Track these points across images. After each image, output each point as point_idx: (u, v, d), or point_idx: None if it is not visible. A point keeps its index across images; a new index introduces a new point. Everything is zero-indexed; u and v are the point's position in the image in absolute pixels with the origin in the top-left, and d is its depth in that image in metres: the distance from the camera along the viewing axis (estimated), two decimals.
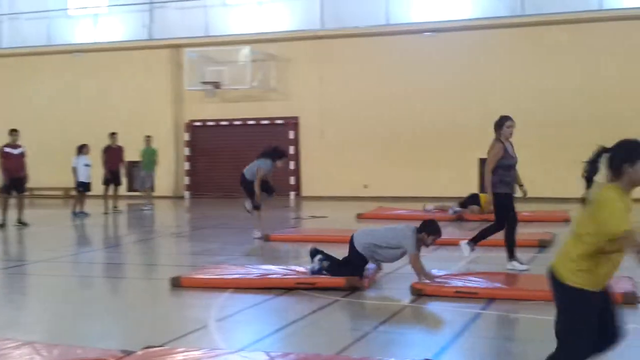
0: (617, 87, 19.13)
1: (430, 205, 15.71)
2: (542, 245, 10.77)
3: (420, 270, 7.76)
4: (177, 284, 8.17)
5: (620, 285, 7.47)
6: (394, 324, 6.61)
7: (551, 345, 5.94)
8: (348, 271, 7.89)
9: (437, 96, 20.71)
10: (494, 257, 9.64)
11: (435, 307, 7.20)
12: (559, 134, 19.23)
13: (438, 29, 20.80)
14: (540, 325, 6.54)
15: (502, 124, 9.07)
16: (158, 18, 23.70)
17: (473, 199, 15.46)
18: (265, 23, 22.60)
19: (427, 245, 7.96)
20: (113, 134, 18.42)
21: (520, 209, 15.12)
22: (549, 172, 18.86)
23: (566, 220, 13.86)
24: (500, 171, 8.93)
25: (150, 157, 19.25)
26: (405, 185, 20.57)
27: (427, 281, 7.69)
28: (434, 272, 7.97)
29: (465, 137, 20.19)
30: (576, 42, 19.63)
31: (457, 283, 7.68)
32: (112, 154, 18.12)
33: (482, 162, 20.18)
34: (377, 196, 20.10)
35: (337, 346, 5.72)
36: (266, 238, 12.13)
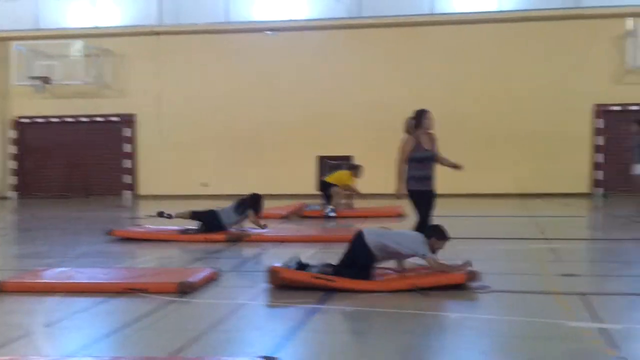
0: (451, 87, 19.99)
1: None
2: None
3: (444, 267, 7.64)
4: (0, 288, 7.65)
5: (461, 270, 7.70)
6: (231, 323, 6.50)
7: (385, 337, 6.06)
8: (356, 273, 7.49)
9: (277, 95, 20.82)
10: None
11: (273, 303, 7.16)
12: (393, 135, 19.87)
13: (278, 28, 20.89)
14: (379, 318, 6.66)
15: (422, 117, 8.77)
16: None
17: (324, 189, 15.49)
18: (100, 17, 21.80)
19: (437, 250, 7.76)
20: None
21: (358, 205, 15.66)
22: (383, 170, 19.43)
23: (400, 215, 14.24)
24: (412, 165, 8.70)
25: None
26: (245, 183, 20.46)
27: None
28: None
29: (304, 135, 20.42)
30: (410, 44, 20.33)
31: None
32: None
33: (321, 159, 20.85)
34: (217, 194, 19.88)
35: (171, 348, 5.54)
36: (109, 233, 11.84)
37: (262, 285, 7.58)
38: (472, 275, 7.47)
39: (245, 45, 21.11)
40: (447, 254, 7.88)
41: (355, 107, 20.30)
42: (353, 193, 15.70)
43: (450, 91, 20.00)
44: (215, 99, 21.09)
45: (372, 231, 7.82)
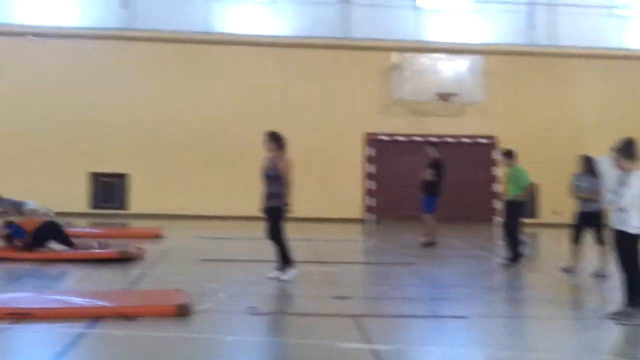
0: (226, 108, 19.71)
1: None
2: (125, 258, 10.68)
3: None
4: None
5: (172, 297, 7.44)
6: None
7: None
8: None
9: (43, 104, 19.38)
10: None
11: (34, 329, 6.50)
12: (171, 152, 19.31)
13: (43, 34, 19.52)
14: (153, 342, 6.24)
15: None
16: None
17: None
18: None
19: None
20: None
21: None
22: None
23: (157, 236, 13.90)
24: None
25: None
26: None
27: None
28: None
29: (73, 148, 19.24)
30: (187, 62, 19.88)
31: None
32: None
33: (94, 175, 19.23)
34: None
35: None
36: None
37: None
38: (185, 309, 7.07)
39: (5, 49, 19.47)
40: (212, 276, 7.57)
41: (132, 122, 19.39)
42: None
43: (227, 110, 19.72)
44: None
45: None
